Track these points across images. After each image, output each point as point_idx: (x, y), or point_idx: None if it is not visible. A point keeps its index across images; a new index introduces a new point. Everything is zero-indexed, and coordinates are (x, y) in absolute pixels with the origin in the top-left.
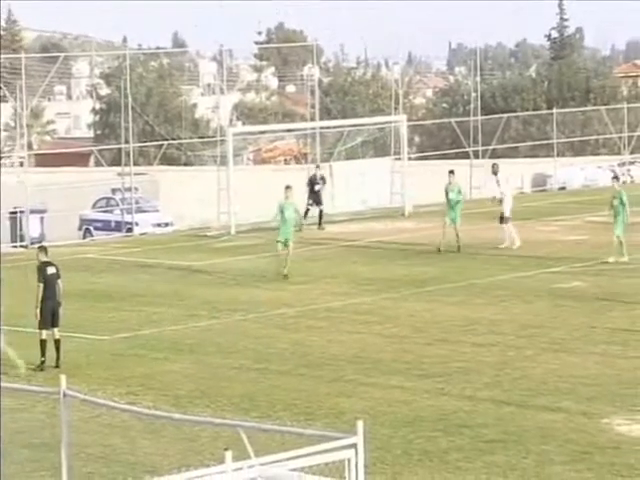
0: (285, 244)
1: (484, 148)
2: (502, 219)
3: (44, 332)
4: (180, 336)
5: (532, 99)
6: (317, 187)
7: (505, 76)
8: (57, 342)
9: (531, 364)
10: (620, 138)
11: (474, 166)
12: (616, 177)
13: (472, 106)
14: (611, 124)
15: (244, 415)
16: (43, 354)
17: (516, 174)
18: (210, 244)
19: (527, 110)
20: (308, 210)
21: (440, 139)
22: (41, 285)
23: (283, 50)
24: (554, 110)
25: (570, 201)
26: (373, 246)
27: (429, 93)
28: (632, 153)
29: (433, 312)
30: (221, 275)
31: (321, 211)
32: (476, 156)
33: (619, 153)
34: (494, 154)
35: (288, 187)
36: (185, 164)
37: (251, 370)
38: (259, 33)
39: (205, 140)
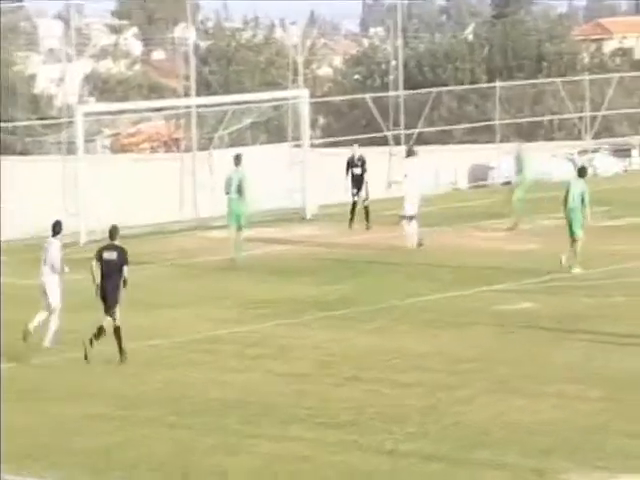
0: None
1: (408, 132)
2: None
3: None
4: (15, 377)
5: (469, 69)
6: (356, 171)
7: (434, 39)
8: (116, 330)
9: (467, 408)
10: (580, 119)
11: (394, 154)
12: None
13: (392, 78)
14: (569, 101)
15: (99, 477)
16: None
17: (449, 165)
18: None
19: (462, 83)
20: (355, 203)
21: (351, 120)
22: (98, 267)
23: (149, 5)
24: (497, 83)
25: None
26: (266, 258)
27: (337, 61)
28: (595, 138)
29: (343, 343)
30: (69, 297)
31: (367, 207)
32: (397, 142)
33: (579, 138)
34: (420, 139)
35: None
36: (21, 153)
37: (112, 419)
38: None
39: (47, 122)
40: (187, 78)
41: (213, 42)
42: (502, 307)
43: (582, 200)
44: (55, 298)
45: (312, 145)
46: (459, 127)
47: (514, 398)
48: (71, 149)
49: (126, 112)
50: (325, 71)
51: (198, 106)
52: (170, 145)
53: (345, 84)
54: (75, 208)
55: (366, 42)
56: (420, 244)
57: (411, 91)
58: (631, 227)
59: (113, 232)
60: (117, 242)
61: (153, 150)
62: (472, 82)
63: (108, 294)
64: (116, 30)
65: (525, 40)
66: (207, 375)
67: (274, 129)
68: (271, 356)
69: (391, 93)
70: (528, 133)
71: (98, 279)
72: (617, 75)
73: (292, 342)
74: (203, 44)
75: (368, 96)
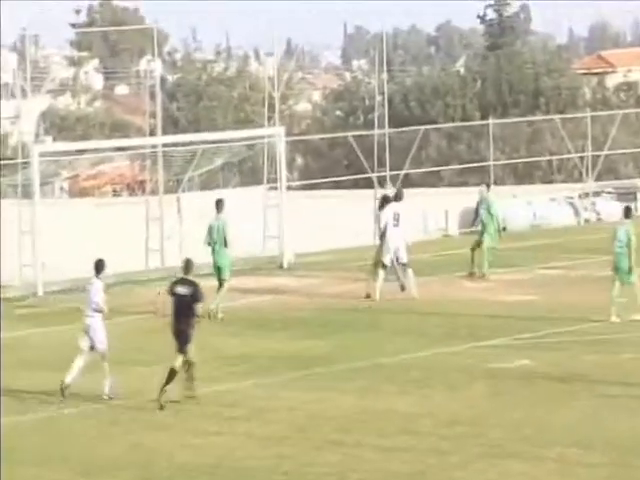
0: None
1: (393, 173)
2: (382, 265)
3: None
4: None
5: (460, 105)
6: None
7: (422, 73)
8: (191, 366)
9: (460, 475)
10: (582, 159)
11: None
12: (487, 184)
13: (376, 114)
14: (569, 140)
15: None
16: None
17: (438, 209)
18: (8, 310)
19: (453, 120)
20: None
21: (332, 161)
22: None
23: (111, 36)
24: (490, 120)
25: (513, 247)
26: (242, 310)
27: (317, 96)
28: (598, 180)
29: (324, 403)
30: (23, 354)
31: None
32: (382, 184)
33: (580, 180)
34: (407, 181)
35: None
36: None
37: None
38: (77, 12)
39: (2, 163)
40: (153, 115)
41: (181, 75)
42: (497, 365)
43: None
44: (102, 342)
45: (289, 188)
46: (449, 168)
47: (511, 463)
48: (27, 192)
49: (86, 152)
50: (303, 107)
51: (165, 145)
52: (134, 188)
53: (325, 121)
54: (31, 257)
55: (348, 75)
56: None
57: (397, 129)
58: None
59: (187, 266)
60: (191, 277)
61: (116, 193)
62: (463, 119)
63: (181, 331)
64: (75, 62)
65: (521, 73)
66: (177, 438)
67: (248, 170)
68: (245, 417)
69: (375, 131)
70: (524, 175)
71: (167, 314)
72: (621, 112)
73: (269, 402)
74: (171, 78)
75: (350, 134)
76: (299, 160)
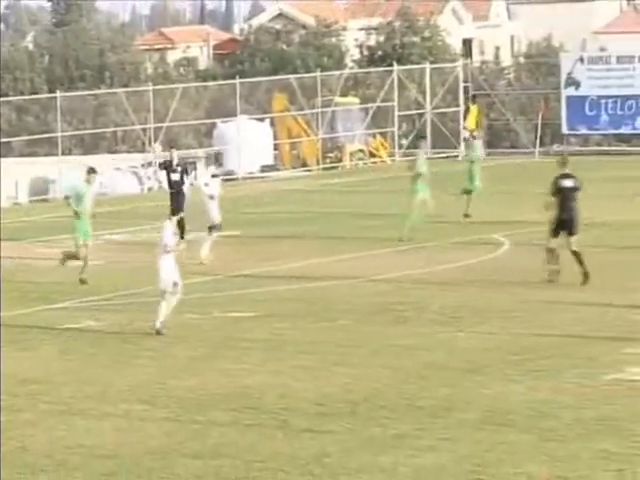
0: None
1: None
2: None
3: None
4: None
5: (29, 79)
6: (174, 177)
7: None
8: (575, 254)
9: (31, 431)
10: (144, 130)
11: None
12: None
13: None
14: (133, 112)
15: None
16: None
17: (9, 178)
18: None
19: (23, 93)
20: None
21: None
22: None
23: None
24: (57, 94)
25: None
26: None
27: None
28: (165, 150)
29: None
30: None
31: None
32: None
33: (144, 150)
34: None
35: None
36: None
37: None
38: None
39: None
40: None
41: None
42: (67, 326)
43: None
44: None
45: None
46: (19, 139)
47: (78, 420)
48: None
49: None
50: None
51: None
52: None
53: None
54: None
55: None
56: None
57: None
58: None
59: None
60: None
61: None
62: (32, 92)
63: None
64: None
65: (87, 49)
66: None
67: None
68: None
69: None
70: (91, 145)
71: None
72: (181, 86)
73: None
74: None
75: None
76: None
